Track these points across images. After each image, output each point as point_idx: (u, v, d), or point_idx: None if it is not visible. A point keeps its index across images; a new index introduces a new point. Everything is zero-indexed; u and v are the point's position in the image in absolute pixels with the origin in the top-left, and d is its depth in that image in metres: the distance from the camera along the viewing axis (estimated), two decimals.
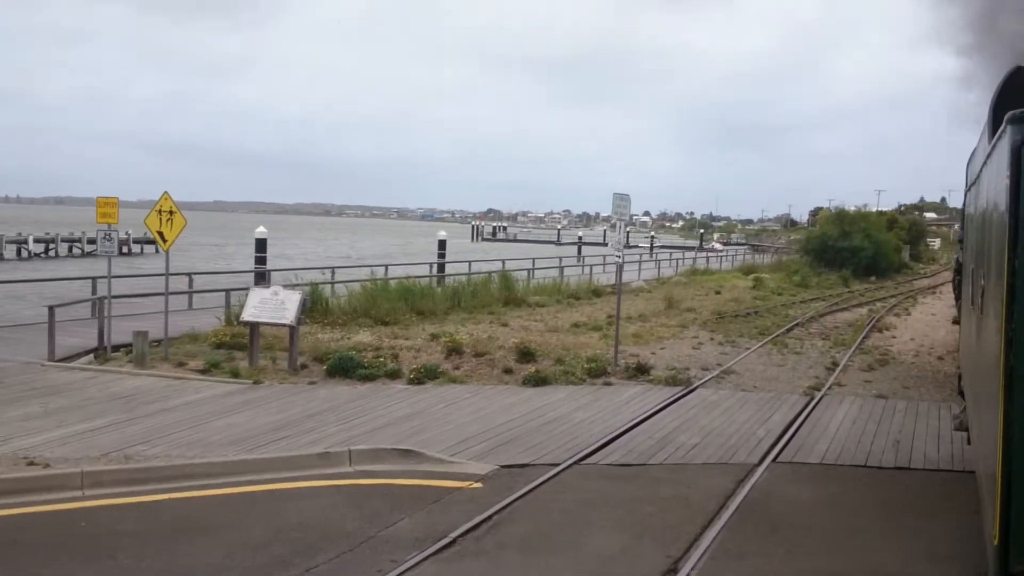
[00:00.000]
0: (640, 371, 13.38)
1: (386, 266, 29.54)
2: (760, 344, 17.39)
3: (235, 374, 13.21)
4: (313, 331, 16.18)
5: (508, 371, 13.44)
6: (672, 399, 11.76)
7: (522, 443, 9.21)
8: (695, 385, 12.71)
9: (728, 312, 23.29)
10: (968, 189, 10.60)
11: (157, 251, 69.22)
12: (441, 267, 37.45)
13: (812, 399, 11.99)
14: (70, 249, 64.05)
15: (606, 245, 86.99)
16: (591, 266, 36.52)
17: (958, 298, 16.37)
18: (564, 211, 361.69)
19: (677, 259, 49.19)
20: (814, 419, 10.75)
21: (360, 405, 11.26)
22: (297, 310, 13.33)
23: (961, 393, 10.70)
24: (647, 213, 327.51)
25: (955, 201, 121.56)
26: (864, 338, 19.24)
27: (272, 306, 13.49)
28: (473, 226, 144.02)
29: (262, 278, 25.15)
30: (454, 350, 14.34)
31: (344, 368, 13.22)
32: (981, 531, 5.47)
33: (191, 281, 23.04)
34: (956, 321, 19.05)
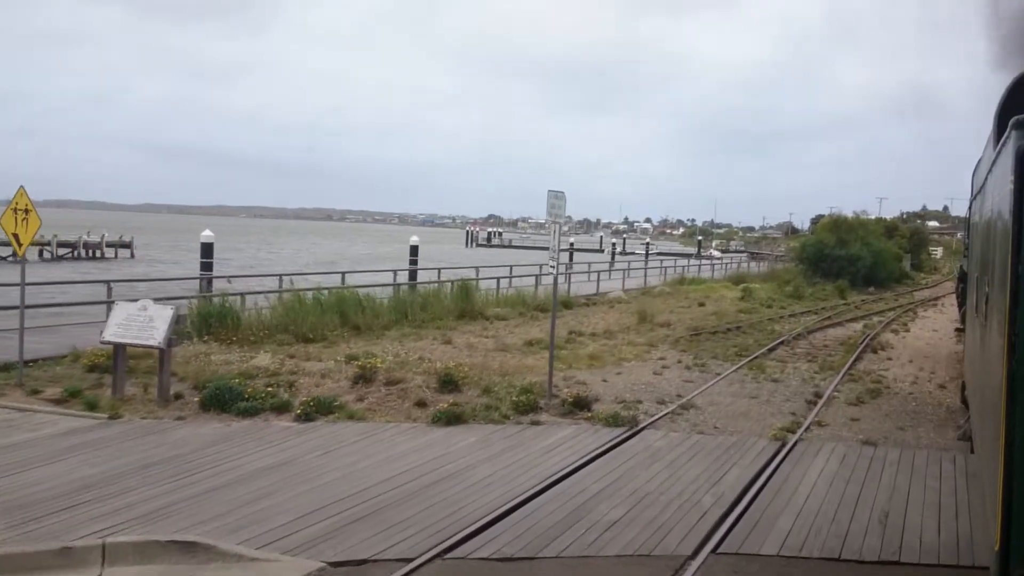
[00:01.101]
0: (579, 406, 11.07)
1: (343, 274, 27.28)
2: (734, 368, 15.07)
3: (92, 406, 10.95)
4: (212, 351, 13.89)
5: (421, 404, 11.14)
6: (608, 446, 9.45)
7: (382, 519, 6.91)
8: (642, 425, 10.40)
9: (706, 328, 20.97)
10: (973, 197, 10.68)
11: (132, 255, 67.24)
12: (413, 275, 35.28)
13: (783, 446, 9.68)
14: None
15: (601, 251, 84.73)
16: (571, 274, 34.18)
17: (961, 305, 16.97)
18: (565, 217, 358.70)
19: (668, 267, 46.85)
20: (780, 478, 8.44)
21: (215, 453, 8.97)
22: (167, 329, 11.06)
23: (964, 403, 10.98)
24: (648, 220, 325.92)
25: (958, 209, 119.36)
26: (856, 360, 16.92)
27: (139, 324, 11.22)
28: (468, 231, 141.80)
29: (209, 284, 22.88)
30: (364, 377, 12.04)
31: (221, 400, 10.94)
32: None
33: (110, 290, 20.75)
34: (959, 329, 18.86)
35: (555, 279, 11.68)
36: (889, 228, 50.89)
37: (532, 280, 34.31)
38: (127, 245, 66.64)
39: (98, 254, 63.09)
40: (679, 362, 15.63)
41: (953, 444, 10.14)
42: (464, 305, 21.62)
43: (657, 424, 10.59)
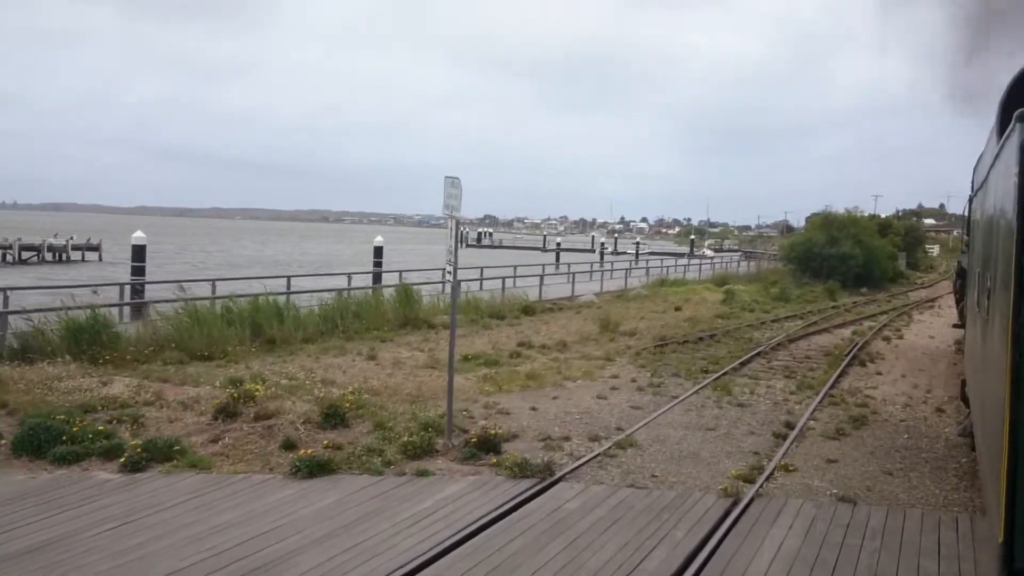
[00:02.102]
0: (485, 447, 8.82)
1: (288, 278, 25.03)
2: (696, 389, 12.83)
3: None
4: (67, 375, 11.60)
5: (289, 446, 8.89)
6: (503, 510, 7.20)
7: None
8: (557, 476, 8.15)
9: (675, 337, 18.73)
10: (974, 193, 10.55)
11: (100, 258, 64.88)
12: (378, 278, 33.06)
13: (735, 505, 7.45)
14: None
15: (593, 251, 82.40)
16: (542, 276, 31.88)
17: (959, 301, 16.62)
18: (561, 217, 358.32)
19: (655, 268, 44.59)
20: (722, 560, 6.21)
21: None
22: None
23: (964, 400, 10.79)
24: (644, 219, 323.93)
25: (954, 207, 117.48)
26: (840, 376, 14.71)
27: None
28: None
29: (138, 292, 20.55)
30: (228, 409, 9.77)
31: (36, 442, 8.71)
32: None
33: (6, 299, 18.46)
34: (957, 325, 18.14)
35: (454, 288, 9.39)
36: (883, 225, 48.67)
37: (509, 283, 32.31)
38: (95, 248, 64.28)
39: (63, 257, 60.74)
40: (633, 381, 13.37)
41: (955, 499, 7.91)
42: (407, 312, 19.38)
43: (579, 473, 8.34)
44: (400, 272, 32.82)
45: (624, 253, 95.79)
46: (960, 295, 16.13)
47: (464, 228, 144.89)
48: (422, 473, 8.16)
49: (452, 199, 8.86)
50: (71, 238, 63.90)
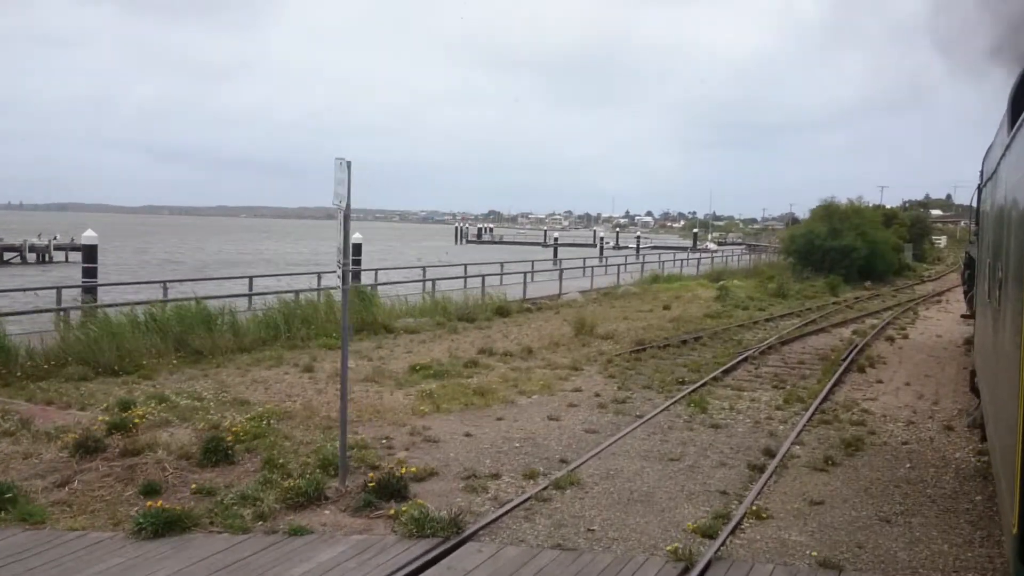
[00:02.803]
0: (387, 491, 7.16)
1: (250, 278, 23.46)
2: (667, 404, 11.15)
3: None
4: None
5: (151, 492, 7.25)
6: None
7: None
8: (468, 532, 6.48)
9: (657, 340, 17.04)
10: (983, 184, 10.43)
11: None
12: (356, 276, 31.45)
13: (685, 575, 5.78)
14: None
15: (595, 246, 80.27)
16: (527, 272, 30.20)
17: (968, 291, 16.24)
18: (566, 212, 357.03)
19: (652, 262, 42.85)
20: None
21: None
22: None
23: (973, 390, 10.52)
24: (649, 213, 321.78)
25: (962, 197, 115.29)
26: (836, 384, 13.02)
27: None
28: (457, 228, 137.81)
29: (91, 293, 18.93)
30: (86, 444, 8.12)
31: None
32: None
33: None
34: (966, 316, 17.69)
35: (344, 294, 7.66)
36: (887, 216, 46.75)
37: (495, 280, 30.66)
38: (79, 248, 62.71)
39: (46, 258, 59.29)
40: (596, 396, 11.70)
41: (969, 561, 6.22)
42: (364, 316, 17.73)
43: (496, 527, 6.67)
44: (376, 271, 31.43)
45: (625, 247, 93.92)
46: (969, 285, 15.69)
47: (464, 224, 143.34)
48: (296, 531, 6.50)
49: (340, 186, 7.18)
50: (54, 238, 62.42)
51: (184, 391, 10.93)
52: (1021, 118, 4.85)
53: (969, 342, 17.40)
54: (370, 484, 7.18)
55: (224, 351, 14.08)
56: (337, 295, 19.37)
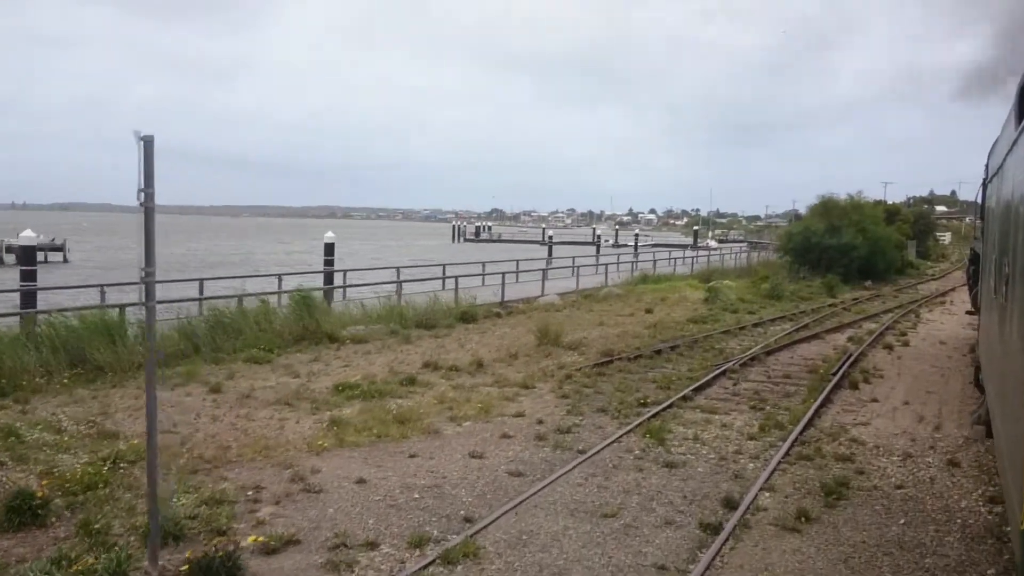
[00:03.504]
0: (208, 573, 5.45)
1: (201, 280, 21.80)
2: (619, 434, 9.42)
3: None
4: None
5: None
6: None
7: None
8: None
9: (628, 350, 15.32)
10: (989, 179, 10.45)
11: (65, 259, 61.87)
12: (329, 278, 29.78)
13: None
14: None
15: (592, 244, 78.25)
16: (505, 273, 28.49)
17: (972, 287, 16.10)
18: (568, 210, 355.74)
19: (647, 261, 41.11)
20: None
21: None
22: None
23: (978, 386, 10.97)
24: (652, 211, 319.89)
25: (967, 194, 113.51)
26: (823, 404, 11.29)
27: None
28: (454, 226, 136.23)
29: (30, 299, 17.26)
30: None
31: None
32: None
33: None
34: (970, 312, 17.24)
35: (149, 312, 5.81)
36: (890, 212, 44.84)
37: (477, 281, 28.99)
38: (59, 248, 61.28)
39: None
40: (539, 423, 9.98)
41: None
42: (307, 324, 16.04)
43: None
44: (345, 272, 29.74)
45: (625, 245, 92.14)
46: (973, 281, 15.58)
47: (462, 223, 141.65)
48: None
49: (142, 170, 5.44)
50: (40, 237, 60.82)
51: (45, 421, 9.25)
52: None
53: (975, 348, 16.35)
54: (183, 569, 5.46)
55: (129, 367, 12.39)
56: (282, 300, 17.69)
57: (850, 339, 17.90)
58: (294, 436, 9.09)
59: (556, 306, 22.96)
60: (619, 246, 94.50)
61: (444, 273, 29.61)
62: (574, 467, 8.17)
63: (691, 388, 12.10)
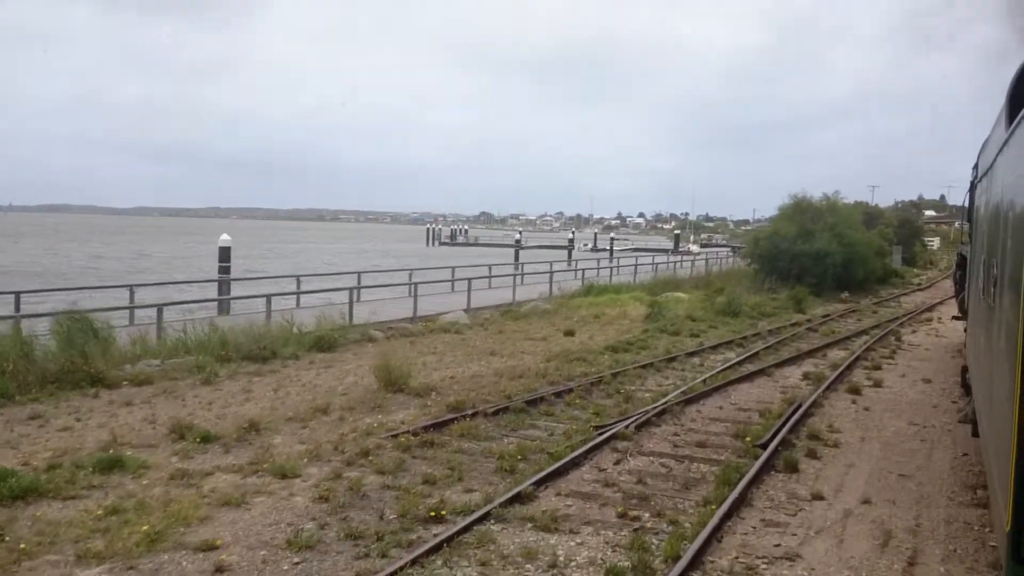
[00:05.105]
0: None
1: (17, 294, 17.51)
2: None
3: None
4: None
5: None
6: None
7: None
8: None
9: (493, 399, 11.13)
10: (978, 179, 10.52)
11: None
12: (225, 287, 25.54)
13: None
14: None
15: (565, 248, 74.24)
16: (414, 284, 24.42)
17: (959, 292, 15.91)
18: (557, 213, 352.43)
19: (607, 268, 37.01)
20: None
21: None
22: None
23: (965, 387, 11.00)
24: (641, 214, 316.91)
25: (955, 198, 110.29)
26: (731, 513, 7.15)
27: None
28: (429, 229, 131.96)
29: None
30: None
31: None
32: None
33: None
34: (957, 317, 17.10)
35: None
36: (870, 215, 40.86)
37: (403, 291, 24.76)
38: None
39: None
40: (216, 574, 5.77)
41: None
42: (63, 361, 11.78)
43: None
44: (231, 282, 25.52)
45: (603, 250, 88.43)
46: (960, 286, 15.43)
47: (437, 226, 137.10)
48: None
49: None
50: None
51: None
52: (1022, 112, 4.79)
53: (958, 319, 16.57)
54: None
55: None
56: (38, 326, 13.44)
57: (807, 376, 13.77)
58: None
59: (456, 326, 18.76)
60: (598, 250, 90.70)
61: (359, 283, 25.55)
62: None
63: (547, 471, 7.95)
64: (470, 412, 10.31)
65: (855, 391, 12.70)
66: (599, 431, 9.63)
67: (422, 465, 8.28)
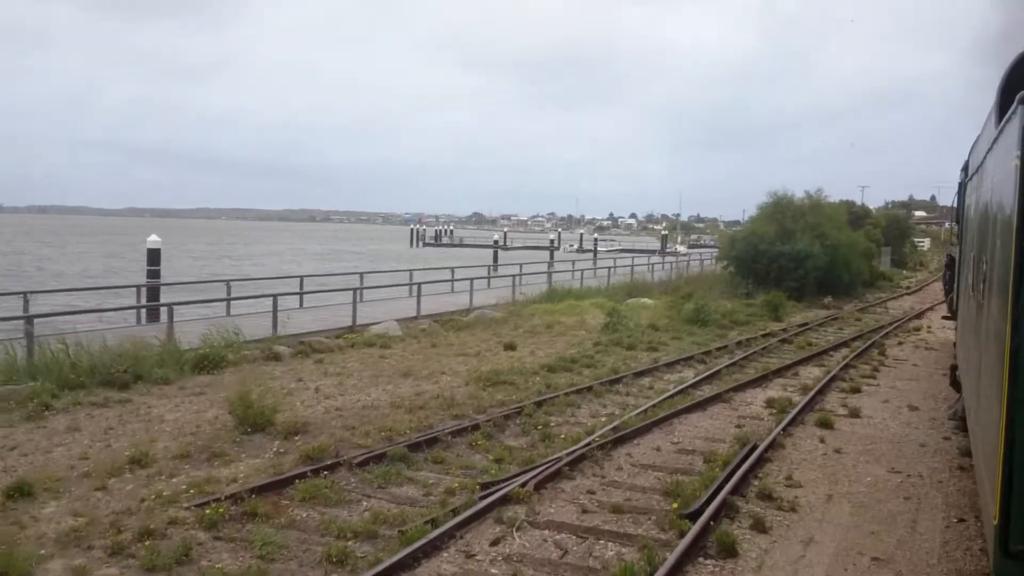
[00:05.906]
0: None
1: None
2: None
3: None
4: None
5: None
6: None
7: None
8: None
9: (377, 441, 8.89)
10: (968, 178, 10.66)
11: None
12: (153, 293, 23.13)
13: None
14: None
15: (547, 249, 71.85)
16: (412, 285, 22.30)
17: (948, 292, 16.55)
18: (549, 214, 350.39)
19: (586, 270, 34.77)
20: None
21: None
22: None
23: (954, 385, 11.03)
24: (633, 215, 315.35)
25: (946, 199, 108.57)
26: None
27: None
28: (412, 230, 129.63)
29: None
30: None
31: None
32: None
33: None
34: (947, 317, 17.40)
35: None
36: (856, 215, 38.76)
37: (345, 297, 22.54)
38: None
39: None
40: None
41: None
42: None
43: None
44: (160, 285, 23.18)
45: (589, 250, 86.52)
46: (950, 287, 15.24)
47: (421, 227, 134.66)
48: None
49: None
50: None
51: None
52: (1012, 108, 4.61)
53: (948, 319, 16.88)
54: None
55: None
56: None
57: (770, 404, 11.56)
58: None
59: (384, 339, 16.50)
60: (584, 251, 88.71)
61: (302, 287, 23.40)
62: None
63: (383, 568, 5.70)
64: (330, 462, 8.06)
65: (826, 424, 10.48)
66: (485, 492, 7.39)
67: (222, 554, 6.03)
